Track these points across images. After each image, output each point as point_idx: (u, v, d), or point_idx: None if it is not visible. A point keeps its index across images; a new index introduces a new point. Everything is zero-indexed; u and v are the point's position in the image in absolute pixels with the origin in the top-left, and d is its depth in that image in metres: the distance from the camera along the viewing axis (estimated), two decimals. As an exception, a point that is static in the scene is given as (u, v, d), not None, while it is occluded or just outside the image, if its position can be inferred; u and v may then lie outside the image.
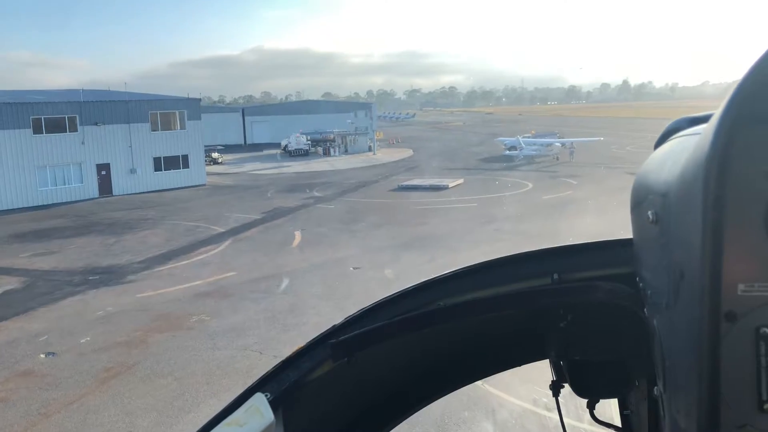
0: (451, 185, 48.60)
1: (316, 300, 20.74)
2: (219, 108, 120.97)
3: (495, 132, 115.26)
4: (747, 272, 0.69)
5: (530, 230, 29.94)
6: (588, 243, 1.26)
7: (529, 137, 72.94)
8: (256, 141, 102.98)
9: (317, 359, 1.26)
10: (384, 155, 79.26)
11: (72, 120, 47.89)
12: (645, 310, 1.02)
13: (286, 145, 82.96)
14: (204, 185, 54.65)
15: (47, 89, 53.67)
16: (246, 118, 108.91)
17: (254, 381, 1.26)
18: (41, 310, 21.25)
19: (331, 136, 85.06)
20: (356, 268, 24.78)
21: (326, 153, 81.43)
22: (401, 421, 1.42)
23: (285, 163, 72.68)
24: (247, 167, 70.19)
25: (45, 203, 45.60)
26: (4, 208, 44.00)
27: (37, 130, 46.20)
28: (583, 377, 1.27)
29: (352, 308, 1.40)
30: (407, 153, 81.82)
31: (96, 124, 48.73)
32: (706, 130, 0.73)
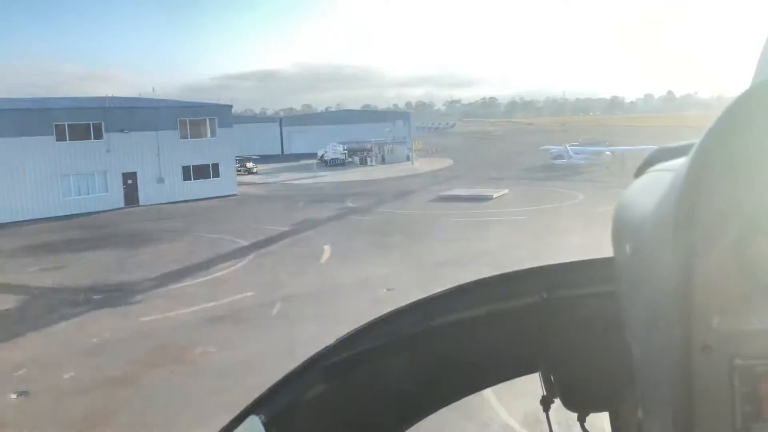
0: (495, 195, 45.19)
1: (343, 328, 17.62)
2: (257, 118, 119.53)
3: (537, 141, 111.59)
4: (721, 306, 0.71)
5: (591, 246, 26.34)
6: (576, 261, 1.30)
7: (576, 146, 68.91)
8: (294, 151, 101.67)
9: (310, 381, 1.27)
10: (422, 165, 76.24)
11: (97, 127, 45.98)
12: (626, 335, 1.02)
13: (322, 155, 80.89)
14: (235, 195, 52.28)
15: (75, 96, 51.80)
16: (283, 128, 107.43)
17: (247, 404, 1.25)
18: (30, 335, 18.67)
19: (369, 146, 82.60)
20: (390, 290, 21.61)
21: (363, 162, 78.85)
22: None
23: (320, 173, 70.27)
24: (282, 177, 68.01)
25: (68, 213, 43.65)
26: (26, 218, 42.08)
27: (60, 137, 44.36)
28: (573, 391, 1.28)
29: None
30: (447, 162, 78.61)
31: (122, 131, 46.76)
32: (679, 169, 0.75)
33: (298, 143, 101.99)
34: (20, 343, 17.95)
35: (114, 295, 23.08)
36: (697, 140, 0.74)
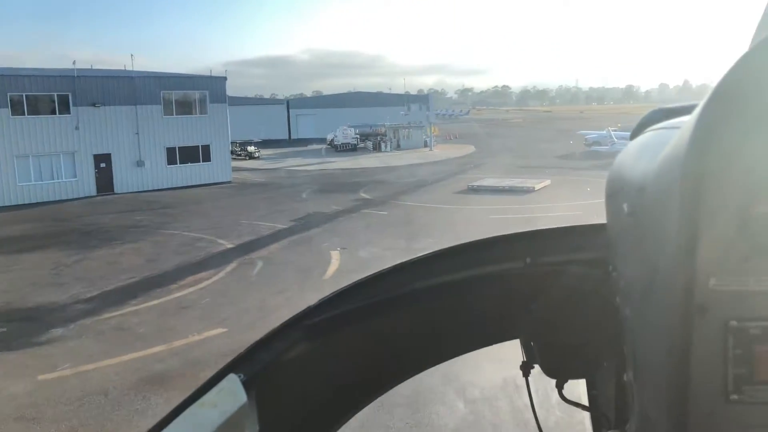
0: (537, 187, 37.66)
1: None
2: (262, 100, 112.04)
3: (561, 128, 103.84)
4: (719, 267, 0.71)
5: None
6: (560, 227, 1.29)
7: (616, 131, 61.26)
8: (302, 135, 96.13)
9: (291, 340, 1.25)
10: (442, 151, 68.92)
11: (63, 99, 38.53)
12: (617, 298, 1.03)
13: (332, 140, 74.46)
14: (229, 183, 45.00)
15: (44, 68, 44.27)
16: (291, 111, 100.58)
17: (227, 362, 1.21)
18: None
19: (382, 130, 75.76)
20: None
21: (376, 148, 71.88)
22: (374, 399, 1.39)
23: (329, 159, 63.16)
24: (287, 163, 61.03)
25: (26, 202, 36.49)
26: (-28, 207, 34.96)
27: (16, 110, 36.88)
28: (552, 358, 1.28)
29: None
30: (469, 149, 71.12)
31: (94, 105, 39.36)
32: (686, 125, 0.74)
33: (306, 127, 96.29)
34: None
35: (24, 326, 15.82)
36: (699, 101, 0.73)
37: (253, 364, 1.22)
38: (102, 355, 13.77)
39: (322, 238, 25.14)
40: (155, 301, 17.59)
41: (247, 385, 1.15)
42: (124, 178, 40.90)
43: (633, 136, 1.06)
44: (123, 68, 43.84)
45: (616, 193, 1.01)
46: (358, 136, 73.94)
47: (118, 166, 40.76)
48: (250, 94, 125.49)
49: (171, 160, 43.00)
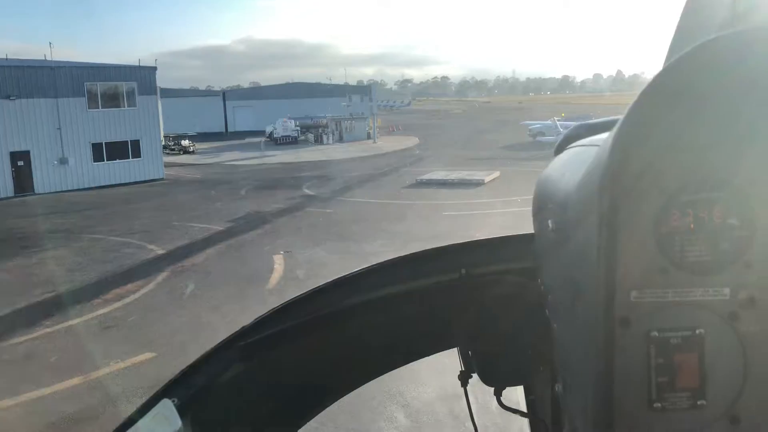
0: (486, 179, 36.54)
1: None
2: (197, 92, 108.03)
3: (502, 119, 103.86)
4: (639, 280, 0.74)
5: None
6: (494, 238, 1.32)
7: (561, 121, 61.02)
8: (239, 128, 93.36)
9: (226, 362, 1.23)
10: (386, 143, 67.44)
11: (-28, 92, 35.21)
12: (546, 311, 1.05)
13: (271, 132, 72.32)
14: (162, 180, 42.27)
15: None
16: (227, 102, 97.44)
17: (160, 387, 1.20)
18: None
19: (324, 122, 73.79)
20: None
21: (318, 141, 69.82)
22: (315, 415, 1.38)
23: (269, 153, 60.89)
24: (224, 157, 58.47)
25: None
26: None
27: None
28: (490, 366, 1.29)
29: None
30: (413, 141, 69.84)
31: (9, 97, 36.05)
32: (603, 143, 0.77)
33: (244, 119, 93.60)
34: None
35: None
36: (618, 116, 0.75)
37: (187, 388, 1.19)
38: (1, 394, 11.61)
39: (264, 240, 23.20)
40: (74, 321, 15.38)
41: (181, 409, 1.12)
42: (46, 177, 37.71)
43: (557, 152, 1.07)
44: (43, 59, 40.43)
45: (541, 209, 1.03)
46: (298, 129, 72.08)
47: (39, 164, 37.54)
48: (185, 86, 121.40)
49: (97, 157, 39.96)
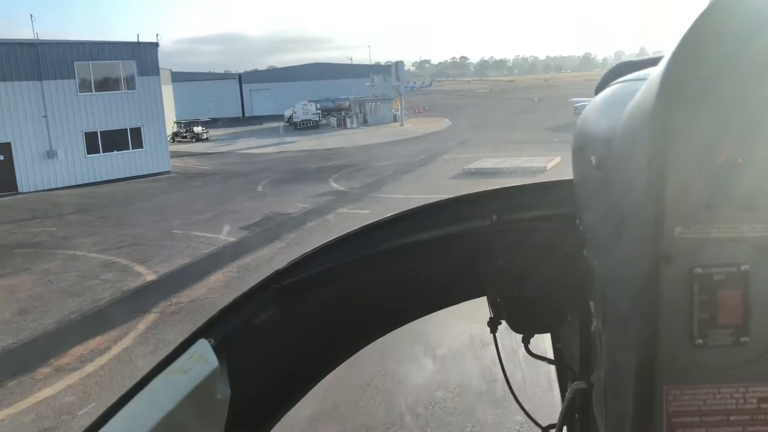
0: (549, 166, 30.71)
1: None
2: (211, 75, 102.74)
3: (535, 97, 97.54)
4: (684, 216, 0.73)
5: None
6: (526, 184, 1.31)
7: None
8: (257, 113, 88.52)
9: (261, 304, 1.26)
10: (415, 126, 61.72)
11: (-60, 74, 29.83)
12: (585, 251, 1.05)
13: (290, 116, 67.28)
14: (167, 173, 36.87)
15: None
16: (244, 86, 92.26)
17: (197, 327, 1.20)
18: None
19: (347, 104, 68.27)
20: None
21: (341, 125, 64.17)
22: (345, 360, 1.39)
23: (289, 139, 55.61)
24: (240, 145, 53.32)
25: None
26: None
27: None
28: (518, 313, 1.30)
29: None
30: (444, 123, 64.00)
31: (-17, 81, 30.73)
32: (652, 76, 0.76)
33: (261, 103, 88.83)
34: None
35: None
36: (665, 52, 0.74)
37: (223, 329, 1.21)
38: None
39: (287, 258, 17.53)
40: (-4, 415, 9.90)
41: (218, 350, 1.14)
42: (31, 174, 32.38)
43: (598, 91, 1.06)
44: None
45: (583, 146, 1.01)
46: (319, 112, 66.81)
47: (22, 159, 32.15)
48: (203, 71, 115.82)
49: (92, 149, 34.49)
